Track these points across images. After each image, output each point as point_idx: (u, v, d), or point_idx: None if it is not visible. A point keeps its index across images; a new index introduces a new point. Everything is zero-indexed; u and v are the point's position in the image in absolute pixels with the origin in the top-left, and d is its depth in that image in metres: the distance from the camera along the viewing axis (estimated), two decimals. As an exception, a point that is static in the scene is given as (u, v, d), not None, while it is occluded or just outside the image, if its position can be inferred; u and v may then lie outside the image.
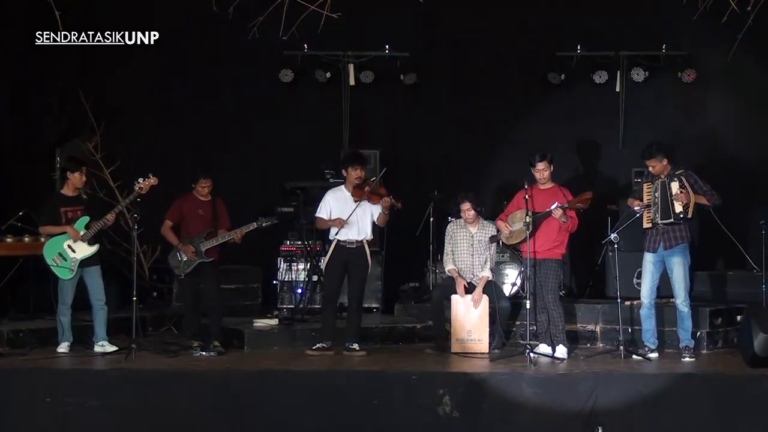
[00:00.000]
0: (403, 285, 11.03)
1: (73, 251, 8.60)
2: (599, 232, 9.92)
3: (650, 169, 8.53)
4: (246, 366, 8.23)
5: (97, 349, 8.69)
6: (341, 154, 10.57)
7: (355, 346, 8.75)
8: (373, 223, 8.90)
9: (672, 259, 8.43)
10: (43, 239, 9.03)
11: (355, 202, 8.74)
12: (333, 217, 8.79)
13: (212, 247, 8.88)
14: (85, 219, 8.68)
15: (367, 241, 8.81)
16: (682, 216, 8.31)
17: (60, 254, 8.59)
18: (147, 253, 11.01)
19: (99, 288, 8.74)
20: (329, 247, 8.86)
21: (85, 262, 8.65)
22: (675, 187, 8.32)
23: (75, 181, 8.78)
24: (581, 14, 11.36)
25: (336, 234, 8.77)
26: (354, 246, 8.75)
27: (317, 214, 8.94)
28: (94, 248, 8.68)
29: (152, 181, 8.71)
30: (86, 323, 8.91)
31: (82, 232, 8.61)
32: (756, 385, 7.67)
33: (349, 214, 8.72)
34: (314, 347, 8.72)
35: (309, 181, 10.63)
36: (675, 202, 8.30)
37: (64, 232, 8.61)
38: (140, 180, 8.68)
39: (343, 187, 8.92)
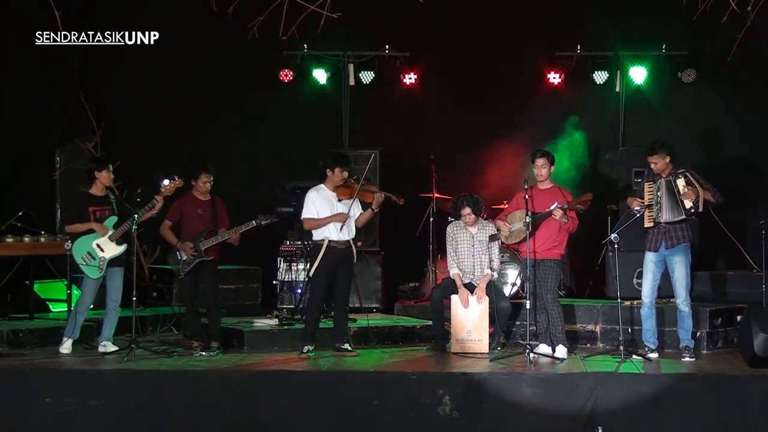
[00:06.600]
0: (403, 285, 11.06)
1: (102, 250, 8.58)
2: (599, 232, 9.91)
3: (652, 166, 8.49)
4: (246, 366, 8.22)
5: (100, 348, 8.68)
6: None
7: (347, 346, 8.70)
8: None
9: (674, 259, 8.41)
10: (63, 241, 9.02)
11: (339, 200, 8.62)
12: (320, 217, 8.63)
13: (212, 246, 8.88)
14: (113, 219, 8.65)
15: (353, 240, 8.76)
16: (693, 210, 8.24)
17: (89, 253, 8.57)
18: (147, 253, 11.03)
19: (117, 289, 8.73)
20: (320, 250, 8.58)
21: (111, 262, 8.64)
22: (681, 183, 8.27)
23: (103, 179, 8.71)
24: (581, 14, 11.36)
25: (340, 231, 8.55)
26: (344, 246, 8.66)
27: (306, 216, 8.66)
28: (122, 248, 8.65)
29: (177, 183, 8.68)
30: (85, 323, 8.88)
31: (110, 232, 8.61)
32: (756, 385, 7.66)
33: (348, 209, 8.59)
34: (303, 351, 8.61)
35: (309, 181, 10.60)
36: (684, 199, 8.25)
37: (90, 230, 8.57)
38: (166, 182, 8.63)
39: (323, 186, 8.75)
